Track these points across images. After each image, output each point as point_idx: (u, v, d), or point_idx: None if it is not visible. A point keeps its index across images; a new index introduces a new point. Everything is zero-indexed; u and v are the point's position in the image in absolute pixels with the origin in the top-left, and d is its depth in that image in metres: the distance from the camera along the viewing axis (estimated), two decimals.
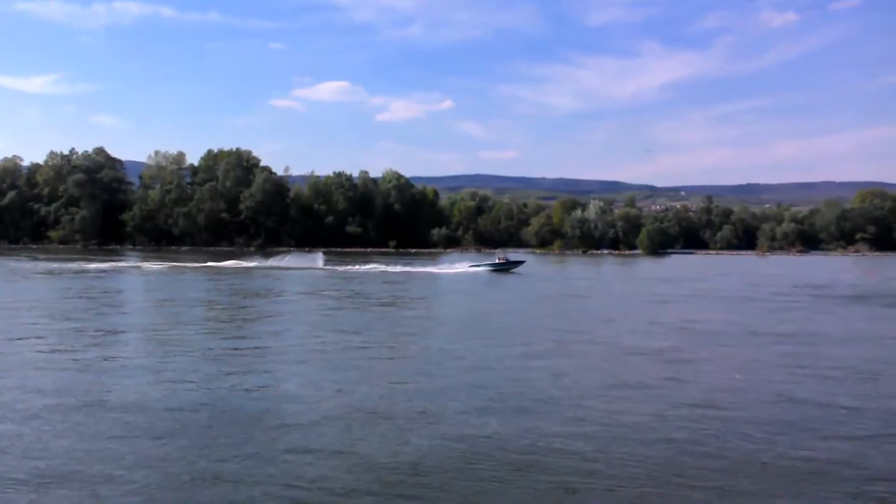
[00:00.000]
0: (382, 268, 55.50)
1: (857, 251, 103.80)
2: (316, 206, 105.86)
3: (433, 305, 30.98)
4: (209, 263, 57.10)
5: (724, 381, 14.12)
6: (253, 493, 7.80)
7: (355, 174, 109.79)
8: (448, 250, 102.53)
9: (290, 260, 61.02)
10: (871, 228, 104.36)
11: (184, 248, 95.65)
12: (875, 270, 64.21)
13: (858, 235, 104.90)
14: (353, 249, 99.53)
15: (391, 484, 7.99)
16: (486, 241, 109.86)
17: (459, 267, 55.35)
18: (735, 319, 24.82)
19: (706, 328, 22.44)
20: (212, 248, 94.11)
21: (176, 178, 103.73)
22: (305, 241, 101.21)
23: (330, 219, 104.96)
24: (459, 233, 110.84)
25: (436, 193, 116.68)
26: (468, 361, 15.76)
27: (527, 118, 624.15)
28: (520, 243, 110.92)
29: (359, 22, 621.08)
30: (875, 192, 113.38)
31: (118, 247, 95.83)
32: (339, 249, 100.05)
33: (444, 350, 17.40)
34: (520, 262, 56.37)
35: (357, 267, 56.15)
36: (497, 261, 55.73)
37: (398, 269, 55.02)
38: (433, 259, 72.78)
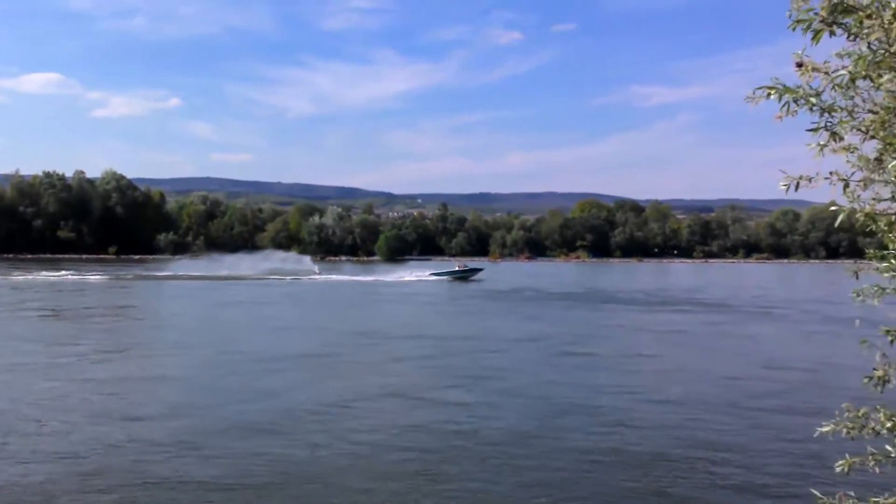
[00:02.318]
0: (348, 277, 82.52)
1: (577, 257, 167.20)
2: (21, 208, 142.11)
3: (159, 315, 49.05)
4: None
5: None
6: None
7: (69, 174, 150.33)
8: (176, 257, 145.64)
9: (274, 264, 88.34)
10: (589, 236, 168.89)
11: None
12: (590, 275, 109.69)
13: (579, 243, 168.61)
14: (67, 256, 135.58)
15: None
16: (218, 246, 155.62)
17: (421, 275, 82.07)
18: (407, 322, 40.28)
19: (366, 330, 36.88)
20: None
21: None
22: (8, 246, 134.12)
23: (38, 222, 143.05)
24: (189, 238, 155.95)
25: (162, 196, 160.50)
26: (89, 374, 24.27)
27: (261, 120, 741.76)
28: (255, 249, 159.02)
29: (74, 9, 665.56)
30: (592, 202, 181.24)
31: None
32: (50, 256, 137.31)
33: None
34: (478, 270, 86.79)
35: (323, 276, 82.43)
36: (456, 268, 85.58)
37: (368, 278, 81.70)
38: (385, 268, 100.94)
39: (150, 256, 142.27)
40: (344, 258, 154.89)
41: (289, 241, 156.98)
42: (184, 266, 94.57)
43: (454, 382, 24.48)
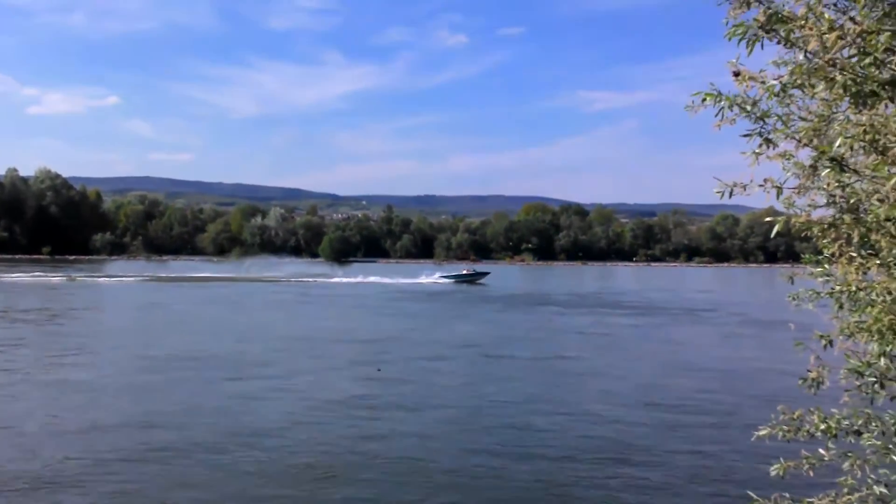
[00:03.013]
0: (370, 279, 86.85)
1: (522, 260, 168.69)
2: None
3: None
4: None
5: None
6: None
7: (2, 172, 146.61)
8: (113, 257, 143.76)
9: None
10: (534, 240, 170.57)
11: None
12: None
13: (524, 246, 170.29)
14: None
15: None
16: (157, 248, 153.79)
17: (430, 278, 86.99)
18: (354, 325, 41.45)
19: (286, 334, 37.01)
20: None
21: None
22: None
23: None
24: (127, 239, 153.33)
25: (98, 196, 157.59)
26: None
27: (203, 119, 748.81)
28: (195, 251, 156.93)
29: (10, 3, 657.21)
30: (538, 206, 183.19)
31: None
32: None
33: None
34: (485, 273, 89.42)
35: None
36: (464, 272, 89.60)
37: (388, 280, 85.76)
38: (398, 269, 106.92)
39: (86, 257, 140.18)
40: (287, 259, 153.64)
41: (230, 242, 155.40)
42: (202, 268, 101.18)
43: (371, 386, 24.43)
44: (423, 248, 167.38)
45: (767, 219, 4.17)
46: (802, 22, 3.58)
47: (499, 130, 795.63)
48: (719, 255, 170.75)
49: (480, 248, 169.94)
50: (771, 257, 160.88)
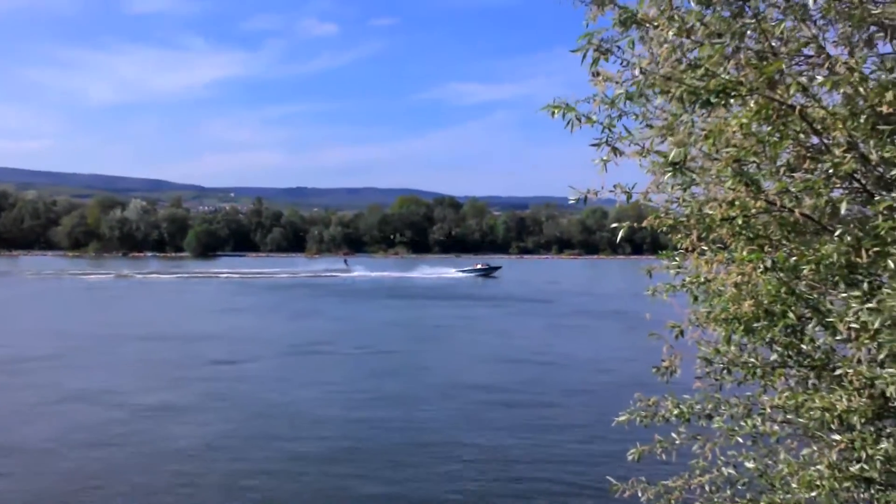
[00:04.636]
0: (378, 273, 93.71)
1: (396, 253, 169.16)
2: None
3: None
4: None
5: None
6: None
7: None
8: None
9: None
10: (408, 232, 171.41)
11: None
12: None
13: (398, 238, 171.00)
14: None
15: None
16: (6, 242, 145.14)
17: (447, 272, 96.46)
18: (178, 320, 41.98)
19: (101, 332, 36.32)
20: None
21: None
22: None
23: None
24: None
25: None
26: None
27: (57, 106, 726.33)
28: (49, 245, 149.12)
29: None
30: (412, 198, 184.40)
31: None
32: None
33: None
34: (497, 268, 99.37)
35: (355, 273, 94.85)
36: (478, 266, 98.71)
37: (394, 274, 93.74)
38: (416, 265, 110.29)
39: None
40: (150, 254, 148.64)
41: (87, 236, 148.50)
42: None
43: (168, 385, 24.22)
44: (295, 241, 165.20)
45: (614, 225, 4.40)
46: (657, 23, 3.77)
47: (372, 122, 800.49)
48: (589, 247, 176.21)
49: (353, 241, 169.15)
50: (637, 249, 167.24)
